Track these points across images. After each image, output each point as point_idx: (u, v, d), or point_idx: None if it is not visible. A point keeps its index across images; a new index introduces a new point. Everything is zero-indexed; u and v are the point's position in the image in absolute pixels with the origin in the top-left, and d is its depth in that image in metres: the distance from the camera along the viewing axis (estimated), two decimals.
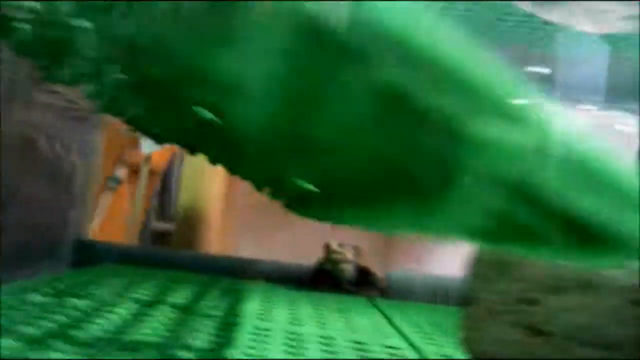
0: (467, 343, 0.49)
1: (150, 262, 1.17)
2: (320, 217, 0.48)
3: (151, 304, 0.74)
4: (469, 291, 0.55)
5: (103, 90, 0.64)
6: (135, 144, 1.49)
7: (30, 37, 0.52)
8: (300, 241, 1.64)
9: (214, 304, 0.79)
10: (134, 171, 1.56)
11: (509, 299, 0.45)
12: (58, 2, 0.39)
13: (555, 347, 0.39)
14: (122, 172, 1.49)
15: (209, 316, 0.71)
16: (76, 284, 0.82)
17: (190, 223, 1.43)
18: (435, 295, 1.11)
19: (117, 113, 0.73)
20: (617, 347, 0.38)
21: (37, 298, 0.71)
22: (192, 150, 0.80)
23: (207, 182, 1.40)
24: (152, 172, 1.62)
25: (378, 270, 1.15)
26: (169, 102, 0.57)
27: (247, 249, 1.56)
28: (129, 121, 0.75)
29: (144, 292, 0.81)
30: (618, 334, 0.38)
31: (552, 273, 0.41)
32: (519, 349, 0.41)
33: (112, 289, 0.80)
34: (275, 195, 0.54)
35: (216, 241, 1.48)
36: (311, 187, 0.55)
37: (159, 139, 0.76)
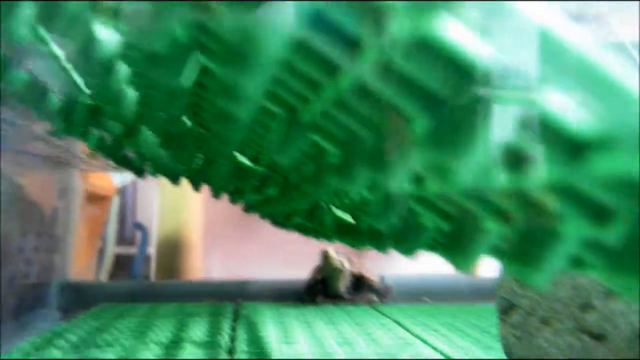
0: (515, 350, 0.51)
1: (140, 297, 1.16)
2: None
3: (174, 343, 0.74)
4: (506, 296, 0.57)
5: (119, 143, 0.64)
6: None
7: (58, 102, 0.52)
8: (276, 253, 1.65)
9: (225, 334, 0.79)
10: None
11: (559, 305, 0.47)
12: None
13: (612, 350, 0.42)
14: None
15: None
16: (88, 332, 0.81)
17: (172, 250, 1.42)
18: (431, 294, 1.14)
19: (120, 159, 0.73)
20: None
21: (57, 355, 0.70)
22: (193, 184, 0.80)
23: (187, 208, 1.40)
24: (101, 198, 1.57)
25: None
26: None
27: (229, 269, 1.56)
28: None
29: (161, 331, 0.81)
30: None
31: None
32: (575, 354, 0.44)
33: (128, 333, 0.80)
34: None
35: (198, 266, 1.47)
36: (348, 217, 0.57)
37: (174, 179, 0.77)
